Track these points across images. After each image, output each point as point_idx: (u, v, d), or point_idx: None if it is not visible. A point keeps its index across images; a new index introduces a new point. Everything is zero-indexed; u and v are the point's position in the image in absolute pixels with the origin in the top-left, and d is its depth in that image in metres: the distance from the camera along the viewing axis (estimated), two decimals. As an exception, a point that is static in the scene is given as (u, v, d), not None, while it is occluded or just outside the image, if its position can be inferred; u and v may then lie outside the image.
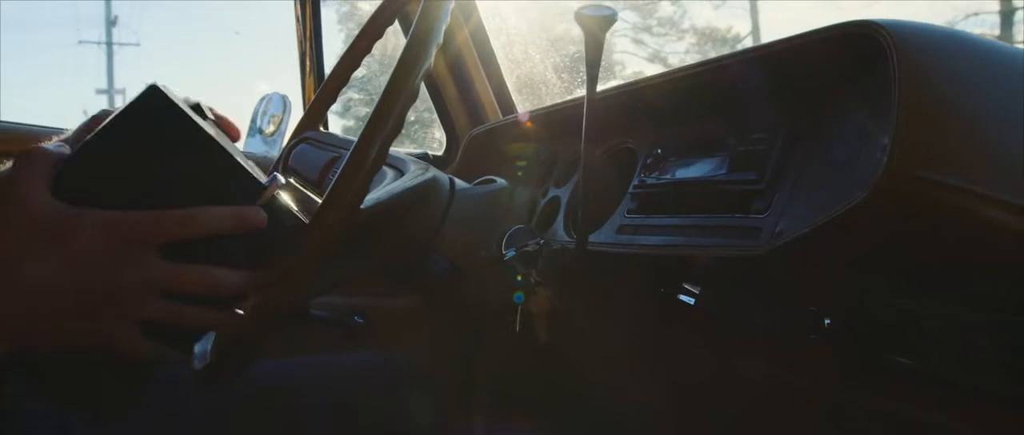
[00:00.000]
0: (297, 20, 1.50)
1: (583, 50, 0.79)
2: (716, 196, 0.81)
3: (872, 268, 0.63)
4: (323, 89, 1.11)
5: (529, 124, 1.25)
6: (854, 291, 0.67)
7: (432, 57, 0.65)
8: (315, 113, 1.13)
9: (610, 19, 0.75)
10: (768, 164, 0.76)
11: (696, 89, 0.88)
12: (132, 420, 0.76)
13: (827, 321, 0.67)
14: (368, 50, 1.10)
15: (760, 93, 0.82)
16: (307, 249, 0.60)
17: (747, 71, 0.81)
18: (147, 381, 0.81)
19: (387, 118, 0.62)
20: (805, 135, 0.73)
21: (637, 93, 0.94)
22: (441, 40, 0.67)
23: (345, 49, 1.11)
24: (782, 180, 0.73)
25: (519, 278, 0.90)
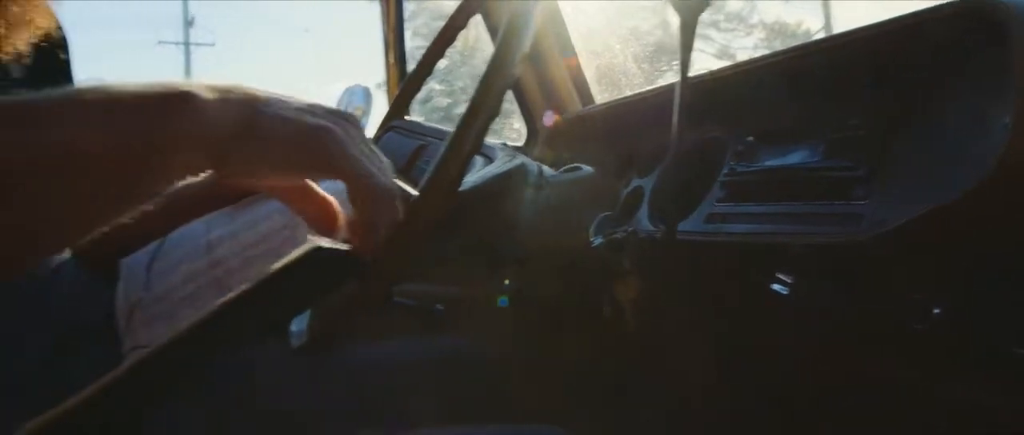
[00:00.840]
0: (381, 14, 1.53)
1: (660, 40, 0.78)
2: (812, 183, 0.79)
3: (987, 253, 0.61)
4: (410, 80, 1.13)
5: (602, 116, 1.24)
6: (966, 278, 0.64)
7: (528, 42, 0.65)
8: (401, 103, 1.15)
9: (704, 2, 0.74)
10: (868, 150, 0.74)
11: (788, 76, 0.86)
12: (213, 400, 0.78)
13: (936, 310, 0.64)
14: (452, 41, 1.11)
15: (857, 78, 0.80)
16: (407, 227, 0.61)
17: (842, 56, 0.79)
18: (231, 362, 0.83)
19: (486, 102, 0.63)
20: (908, 119, 0.71)
21: (727, 80, 0.93)
22: (536, 25, 0.67)
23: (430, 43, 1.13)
24: (884, 165, 0.71)
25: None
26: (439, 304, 1.29)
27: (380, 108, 1.70)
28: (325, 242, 0.53)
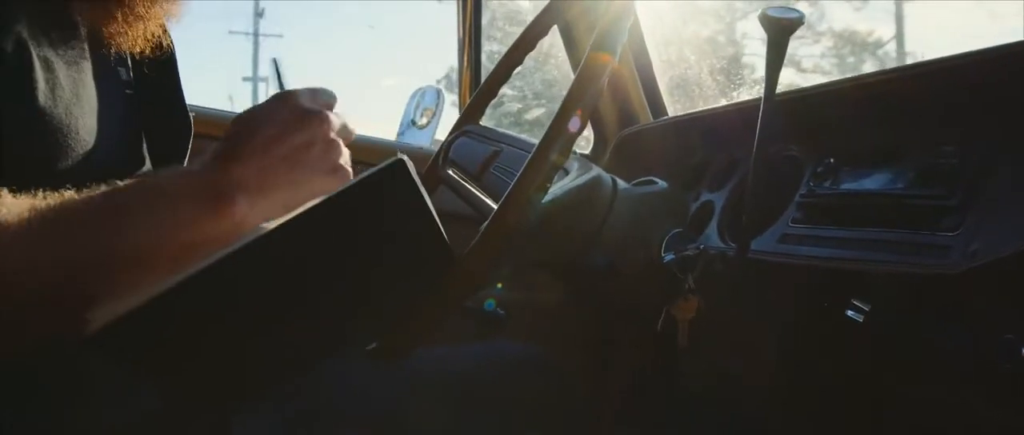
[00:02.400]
0: (458, 16, 1.55)
1: (734, 52, 0.77)
2: (897, 210, 0.77)
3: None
4: (486, 85, 1.14)
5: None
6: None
7: (618, 58, 0.65)
8: (475, 108, 1.16)
9: (797, 22, 0.73)
10: (960, 179, 0.71)
11: (876, 99, 0.84)
12: (288, 408, 0.80)
13: (1025, 350, 0.62)
14: (531, 49, 1.12)
15: (950, 104, 0.77)
16: (489, 238, 0.62)
17: (937, 81, 0.77)
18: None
19: (569, 118, 0.63)
20: (1006, 150, 0.69)
21: (811, 100, 0.91)
22: (625, 39, 0.68)
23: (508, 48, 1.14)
24: (976, 196, 0.69)
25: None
26: (501, 309, 1.31)
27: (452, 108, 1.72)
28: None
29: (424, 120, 1.69)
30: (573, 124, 0.63)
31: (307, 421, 0.79)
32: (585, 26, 1.40)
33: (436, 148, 1.51)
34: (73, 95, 0.64)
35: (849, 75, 0.88)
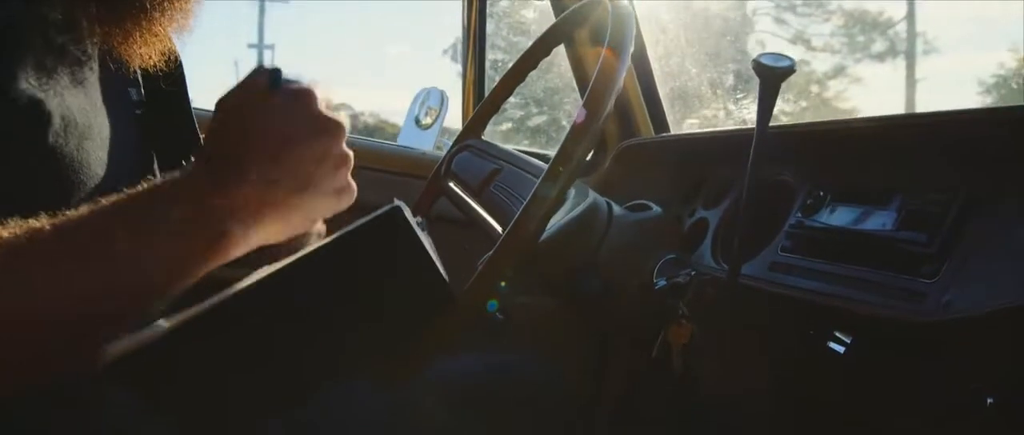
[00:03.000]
0: (462, 25, 1.57)
1: (739, 66, 0.80)
2: (881, 250, 0.80)
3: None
4: (488, 100, 1.16)
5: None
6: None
7: (617, 91, 0.68)
8: (478, 121, 1.18)
9: (788, 71, 0.75)
10: (941, 226, 0.74)
11: (872, 138, 0.87)
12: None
13: (990, 400, 0.65)
14: (534, 66, 1.14)
15: (947, 154, 0.79)
16: (493, 269, 0.65)
17: (934, 131, 0.79)
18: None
19: (571, 159, 0.66)
20: (984, 201, 0.71)
21: (808, 134, 0.94)
22: (620, 88, 0.70)
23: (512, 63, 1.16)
24: (954, 246, 0.72)
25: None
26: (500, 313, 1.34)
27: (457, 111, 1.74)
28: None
29: (428, 120, 1.72)
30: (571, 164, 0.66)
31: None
32: (589, 37, 1.42)
33: (437, 151, 1.54)
34: (85, 128, 0.61)
35: (849, 118, 0.90)
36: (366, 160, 1.54)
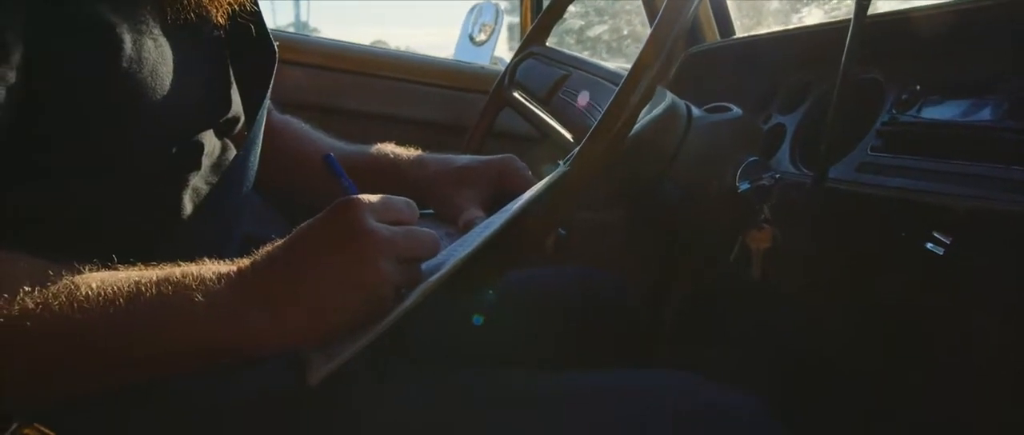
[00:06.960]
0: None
1: None
2: (987, 143, 0.75)
3: None
4: (552, 5, 1.12)
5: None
6: None
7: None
8: (542, 28, 1.14)
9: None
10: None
11: (971, 25, 0.80)
12: None
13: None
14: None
15: None
16: (577, 174, 0.62)
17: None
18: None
19: (658, 54, 0.62)
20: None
21: (897, 24, 0.88)
22: None
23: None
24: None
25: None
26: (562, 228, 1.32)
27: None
28: None
29: (482, 36, 1.67)
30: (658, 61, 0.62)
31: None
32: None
33: (495, 66, 1.50)
34: (158, 55, 0.62)
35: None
36: (422, 75, 1.51)
